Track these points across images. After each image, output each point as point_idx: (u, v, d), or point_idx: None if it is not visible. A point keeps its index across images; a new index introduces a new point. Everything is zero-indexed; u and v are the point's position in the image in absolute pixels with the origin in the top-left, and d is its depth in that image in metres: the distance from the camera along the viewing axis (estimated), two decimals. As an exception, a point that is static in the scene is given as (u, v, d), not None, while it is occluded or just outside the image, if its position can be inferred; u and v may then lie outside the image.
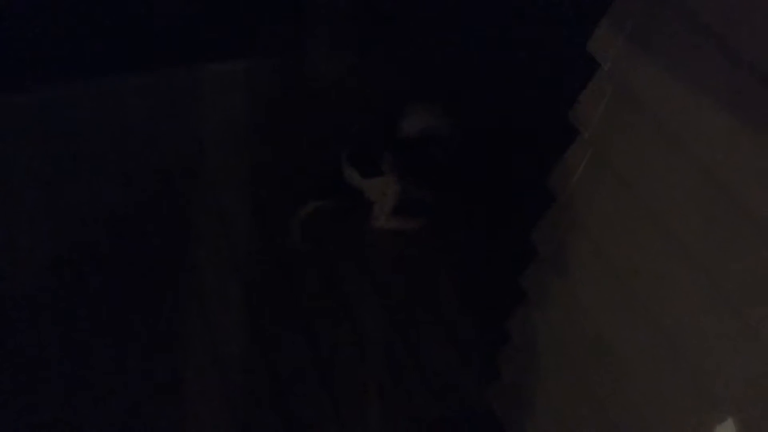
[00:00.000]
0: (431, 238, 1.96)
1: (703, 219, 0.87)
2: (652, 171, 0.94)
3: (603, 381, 1.12)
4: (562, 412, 1.27)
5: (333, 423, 1.57)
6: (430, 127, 1.89)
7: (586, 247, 1.09)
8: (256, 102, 2.22)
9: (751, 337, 0.82)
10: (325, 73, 2.23)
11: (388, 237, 1.95)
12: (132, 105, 2.09)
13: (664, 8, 0.88)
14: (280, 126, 2.17)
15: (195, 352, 1.64)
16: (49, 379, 1.56)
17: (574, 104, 1.03)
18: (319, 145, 2.09)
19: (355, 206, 1.94)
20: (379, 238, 1.94)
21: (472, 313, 1.79)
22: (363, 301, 1.80)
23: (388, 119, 1.93)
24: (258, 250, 1.87)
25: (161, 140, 2.06)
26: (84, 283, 1.73)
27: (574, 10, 1.38)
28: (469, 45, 2.14)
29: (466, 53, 2.13)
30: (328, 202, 1.95)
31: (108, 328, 1.66)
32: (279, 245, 1.89)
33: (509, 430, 1.45)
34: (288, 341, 1.69)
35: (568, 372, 1.22)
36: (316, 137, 2.11)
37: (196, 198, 1.96)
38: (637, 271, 0.99)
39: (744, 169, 0.80)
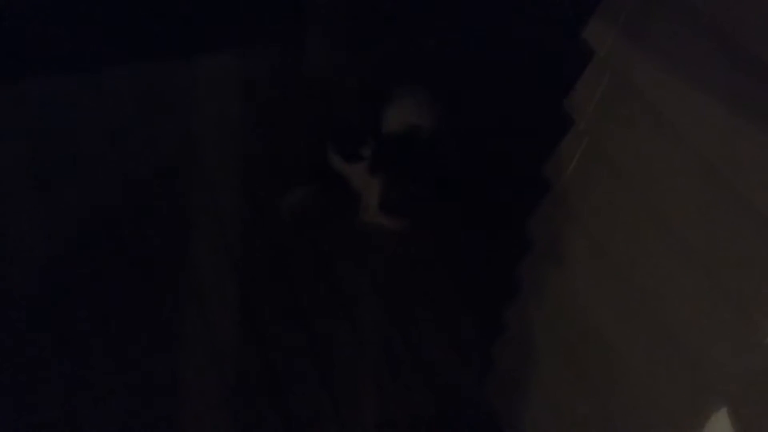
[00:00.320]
0: (427, 232, 1.95)
1: (699, 210, 0.86)
2: (648, 161, 0.94)
3: (600, 375, 1.12)
4: (560, 406, 1.26)
5: (332, 421, 1.56)
6: (416, 123, 1.86)
7: (582, 239, 1.09)
8: (253, 97, 2.21)
9: (750, 331, 0.81)
10: (322, 69, 2.22)
11: (384, 233, 1.94)
12: (127, 100, 2.08)
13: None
14: (277, 121, 2.16)
15: (194, 351, 1.63)
16: (48, 379, 1.55)
17: (569, 93, 1.02)
18: (315, 139, 2.07)
19: (341, 193, 1.92)
20: (376, 234, 1.94)
21: (468, 307, 1.78)
22: (361, 298, 1.79)
23: (374, 104, 1.90)
24: (256, 247, 1.87)
25: (157, 135, 2.05)
26: (81, 281, 1.73)
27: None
28: (462, 35, 2.13)
29: (459, 42, 2.12)
30: (313, 188, 1.94)
31: (106, 328, 1.65)
32: (277, 242, 1.88)
33: (507, 424, 1.45)
34: (286, 339, 1.69)
35: (566, 366, 1.22)
36: (313, 132, 2.10)
37: (193, 194, 1.95)
38: (634, 264, 0.99)
39: (741, 158, 0.79)
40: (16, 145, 1.94)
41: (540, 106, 1.35)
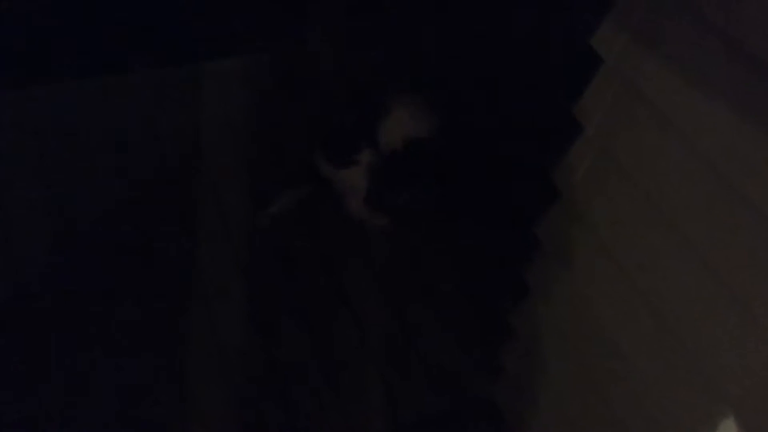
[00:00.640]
0: (434, 231, 1.96)
1: (708, 215, 0.87)
2: (657, 166, 0.94)
3: (607, 375, 1.13)
4: (566, 406, 1.27)
5: (338, 422, 1.57)
6: (414, 135, 1.85)
7: (591, 242, 1.09)
8: (255, 98, 2.22)
9: (758, 333, 0.82)
10: (323, 69, 2.23)
11: (389, 230, 1.95)
12: (132, 104, 2.09)
13: (669, 3, 0.88)
14: (279, 121, 2.17)
15: (199, 351, 1.65)
16: (49, 372, 1.56)
17: (578, 100, 1.03)
18: (306, 141, 2.08)
19: (325, 195, 1.92)
20: (383, 235, 1.94)
21: (476, 309, 1.79)
22: (365, 295, 1.80)
23: (368, 111, 1.89)
24: (259, 245, 1.88)
25: (162, 138, 2.06)
26: (88, 280, 1.74)
27: (578, 4, 1.37)
28: (469, 41, 2.13)
29: (466, 48, 2.12)
30: (299, 191, 1.94)
31: (108, 324, 1.66)
32: (280, 238, 1.89)
33: (513, 423, 1.46)
34: (292, 340, 1.69)
35: (573, 366, 1.23)
36: (312, 132, 2.10)
37: (196, 193, 1.96)
38: (642, 267, 1.00)
39: (751, 164, 0.79)
40: (24, 148, 1.95)
41: (549, 112, 1.36)
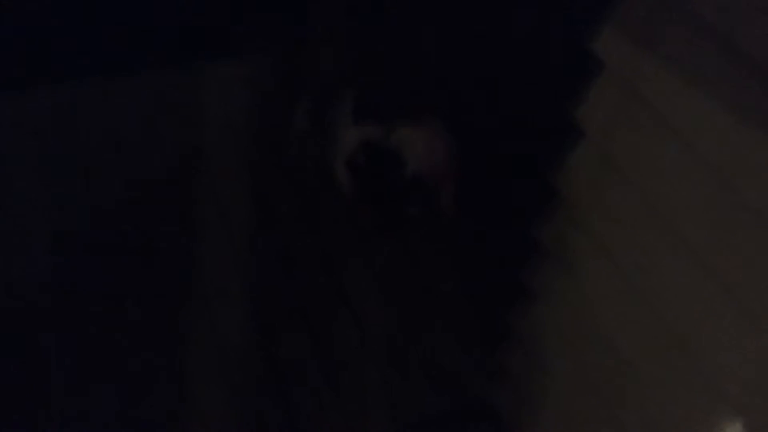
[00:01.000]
0: (434, 233, 1.96)
1: (709, 218, 0.88)
2: (657, 169, 0.95)
3: (608, 378, 1.13)
4: (566, 406, 1.28)
5: (336, 415, 1.58)
6: (418, 169, 1.85)
7: (591, 244, 1.10)
8: (256, 99, 2.22)
9: (757, 333, 0.83)
10: (324, 70, 2.23)
11: (391, 233, 1.96)
12: (133, 105, 2.09)
13: (669, 8, 0.88)
14: (279, 124, 2.17)
15: (197, 346, 1.65)
16: (49, 371, 1.57)
17: (579, 103, 1.04)
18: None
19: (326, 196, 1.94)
20: (382, 232, 1.95)
21: (476, 307, 1.79)
22: (365, 295, 1.81)
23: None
24: (260, 247, 1.88)
25: (164, 141, 2.06)
26: (88, 280, 1.74)
27: (579, 9, 1.38)
28: (470, 41, 2.14)
29: (466, 50, 2.13)
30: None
31: (110, 326, 1.67)
32: (280, 240, 1.89)
33: (513, 425, 1.46)
34: (293, 341, 1.70)
35: (573, 368, 1.23)
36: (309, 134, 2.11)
37: (197, 194, 1.96)
38: (642, 268, 1.01)
39: (750, 166, 0.81)
40: (25, 148, 1.95)
41: (550, 115, 1.37)
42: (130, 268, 1.77)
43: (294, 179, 2.02)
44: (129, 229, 1.85)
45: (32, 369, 1.57)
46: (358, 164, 1.79)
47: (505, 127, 1.99)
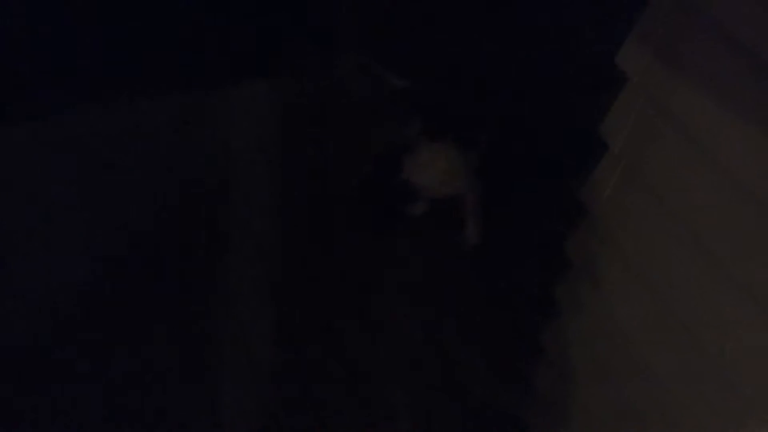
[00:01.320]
0: (463, 251, 1.96)
1: (736, 230, 0.86)
2: (684, 184, 0.94)
3: (640, 395, 1.11)
4: (596, 424, 1.26)
5: (360, 429, 1.58)
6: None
7: (619, 260, 1.09)
8: (283, 119, 2.25)
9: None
10: (352, 90, 2.25)
11: (418, 247, 1.96)
12: (162, 126, 2.13)
13: (693, 20, 0.88)
14: (307, 143, 2.19)
15: (226, 362, 1.67)
16: (76, 385, 1.60)
17: (603, 117, 1.03)
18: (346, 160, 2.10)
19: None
20: (413, 254, 1.95)
21: (506, 327, 1.78)
22: (397, 318, 1.81)
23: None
24: (287, 265, 1.89)
25: (191, 160, 2.10)
26: (118, 295, 1.77)
27: (602, 22, 1.37)
28: (496, 60, 2.14)
29: (492, 68, 2.13)
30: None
31: (137, 340, 1.69)
32: (306, 254, 1.91)
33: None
34: (321, 357, 1.70)
35: (604, 385, 1.21)
36: (343, 153, 2.13)
37: (226, 213, 1.99)
38: (671, 285, 0.99)
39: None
40: (61, 170, 2.00)
41: (575, 130, 1.36)
42: (160, 283, 1.80)
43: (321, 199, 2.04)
44: (159, 245, 1.88)
45: (64, 383, 1.60)
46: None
47: (530, 144, 1.99)
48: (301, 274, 1.89)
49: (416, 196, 1.89)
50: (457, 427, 1.60)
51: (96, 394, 1.59)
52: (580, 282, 1.19)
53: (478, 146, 1.87)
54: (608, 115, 1.02)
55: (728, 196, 0.87)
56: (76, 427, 1.54)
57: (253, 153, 2.16)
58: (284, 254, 1.92)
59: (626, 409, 1.16)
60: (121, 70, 2.10)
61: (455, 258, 1.94)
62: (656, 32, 0.93)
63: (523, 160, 2.01)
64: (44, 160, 1.99)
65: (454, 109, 1.89)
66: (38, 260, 1.82)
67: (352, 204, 2.00)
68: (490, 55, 2.15)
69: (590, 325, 1.20)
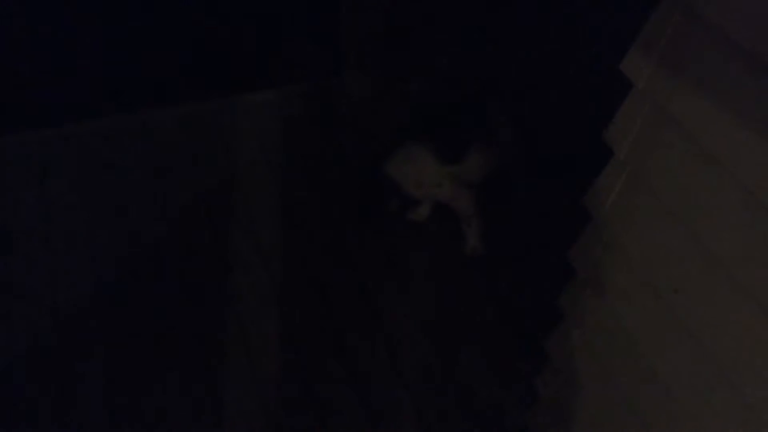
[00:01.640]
0: (468, 258, 1.96)
1: (742, 237, 0.86)
2: (688, 190, 0.94)
3: (646, 402, 1.11)
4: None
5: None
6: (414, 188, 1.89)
7: (625, 267, 1.08)
8: (290, 129, 2.25)
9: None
10: (357, 99, 2.26)
11: (424, 257, 1.96)
12: (169, 136, 2.14)
13: (697, 28, 0.87)
14: (313, 152, 2.20)
15: (233, 374, 1.67)
16: (82, 398, 1.60)
17: (607, 125, 1.03)
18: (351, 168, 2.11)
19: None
20: (419, 264, 1.95)
21: (511, 335, 1.78)
22: (400, 322, 1.81)
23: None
24: (293, 273, 1.90)
25: (201, 171, 2.11)
26: (122, 308, 1.77)
27: (606, 29, 1.37)
28: (500, 67, 2.15)
29: (496, 75, 2.14)
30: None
31: (147, 352, 1.69)
32: (313, 267, 1.91)
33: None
34: (328, 367, 1.70)
35: (609, 393, 1.21)
36: (348, 161, 2.13)
37: (233, 223, 1.99)
38: (678, 291, 0.98)
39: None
40: (69, 181, 2.01)
41: (579, 137, 1.36)
42: (170, 298, 1.81)
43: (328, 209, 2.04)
44: (165, 256, 1.89)
45: (74, 398, 1.60)
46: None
47: (534, 152, 1.99)
48: (302, 275, 1.89)
49: (394, 192, 1.89)
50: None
51: (96, 395, 1.59)
52: (584, 288, 1.19)
53: (461, 159, 1.88)
54: (613, 121, 1.02)
55: (733, 201, 0.87)
56: (76, 427, 1.55)
57: (255, 155, 2.17)
58: (286, 255, 1.93)
59: (631, 414, 1.15)
60: (127, 82, 2.11)
61: (459, 264, 1.95)
62: (661, 39, 0.93)
63: (527, 166, 2.01)
64: (46, 163, 2.00)
65: (448, 115, 1.90)
66: (39, 261, 1.83)
67: (354, 205, 2.01)
68: (494, 61, 2.15)
69: (595, 331, 1.20)
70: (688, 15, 0.87)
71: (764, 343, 0.86)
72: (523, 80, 2.08)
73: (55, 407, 1.58)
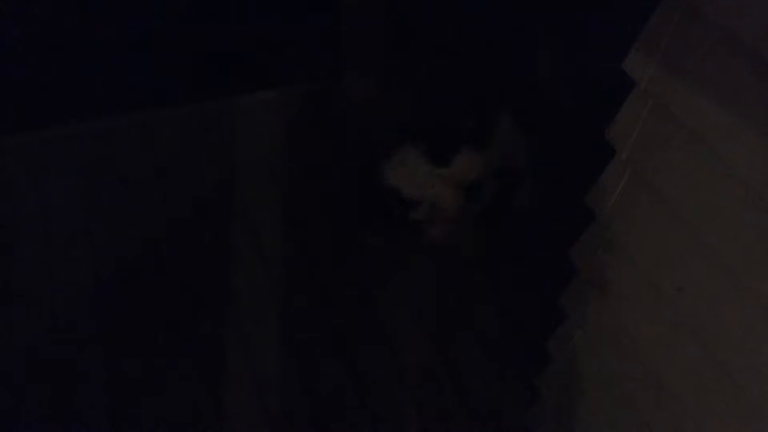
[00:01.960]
0: (469, 259, 1.96)
1: (745, 236, 0.86)
2: (691, 189, 0.93)
3: (648, 403, 1.10)
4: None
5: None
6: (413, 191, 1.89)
7: (627, 266, 1.08)
8: (289, 130, 2.25)
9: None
10: (357, 100, 2.25)
11: (425, 258, 1.96)
12: (169, 137, 2.14)
13: (699, 25, 0.87)
14: (312, 153, 2.20)
15: (234, 376, 1.66)
16: (83, 398, 1.60)
17: (610, 124, 1.03)
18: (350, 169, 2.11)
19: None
20: (417, 259, 1.95)
21: (513, 336, 1.77)
22: (401, 324, 1.80)
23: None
24: (294, 275, 1.89)
25: (201, 172, 2.10)
26: (123, 309, 1.77)
27: (608, 28, 1.37)
28: (498, 67, 2.14)
29: (496, 77, 2.14)
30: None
31: (147, 353, 1.69)
32: (314, 266, 1.90)
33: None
34: (329, 369, 1.70)
35: (611, 393, 1.21)
36: (348, 162, 2.13)
37: (234, 225, 1.99)
38: (680, 290, 0.98)
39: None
40: (69, 182, 2.01)
41: (581, 137, 1.36)
42: (168, 299, 1.81)
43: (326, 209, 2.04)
44: (165, 256, 1.89)
45: (75, 400, 1.60)
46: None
47: (537, 146, 1.99)
48: (302, 275, 1.89)
49: (393, 196, 1.90)
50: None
51: (96, 395, 1.59)
52: (586, 288, 1.19)
53: (451, 161, 1.88)
54: (615, 120, 1.02)
55: (736, 200, 0.87)
56: (76, 427, 1.54)
57: (255, 156, 2.16)
58: (286, 255, 1.93)
59: (636, 419, 1.15)
60: (126, 82, 2.11)
61: (461, 265, 1.94)
62: (662, 38, 0.92)
63: (528, 166, 2.01)
64: (46, 163, 2.00)
65: (444, 116, 1.91)
66: (39, 261, 1.83)
67: (357, 209, 2.00)
68: (494, 61, 2.15)
69: (596, 331, 1.19)
70: (690, 14, 0.87)
71: (766, 344, 0.86)
72: (524, 80, 2.08)
73: (55, 407, 1.57)
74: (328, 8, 2.19)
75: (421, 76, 2.17)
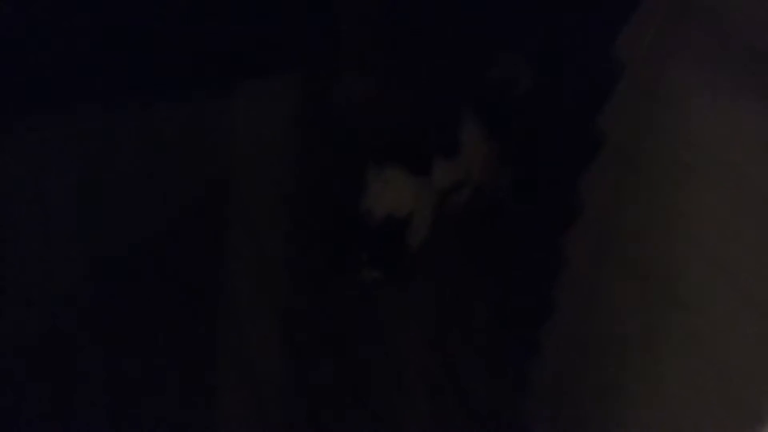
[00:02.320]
0: (461, 253, 1.94)
1: (736, 224, 0.86)
2: (684, 177, 0.93)
3: (640, 396, 1.09)
4: (596, 425, 1.23)
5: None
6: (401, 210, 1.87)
7: (619, 257, 1.07)
8: (289, 130, 2.25)
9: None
10: (356, 101, 2.25)
11: (418, 255, 1.94)
12: (165, 130, 2.14)
13: (692, 9, 0.87)
14: (312, 153, 2.19)
15: (229, 375, 1.66)
16: (81, 397, 1.58)
17: (602, 108, 1.02)
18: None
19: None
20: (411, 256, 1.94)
21: (503, 327, 1.75)
22: (401, 324, 1.79)
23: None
24: (292, 272, 1.89)
25: (194, 164, 2.10)
26: (123, 309, 1.77)
27: (600, 12, 1.37)
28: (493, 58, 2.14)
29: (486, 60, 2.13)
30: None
31: (147, 353, 1.69)
32: (312, 267, 1.90)
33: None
34: (323, 364, 1.69)
35: (603, 387, 1.19)
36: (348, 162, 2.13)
37: (231, 220, 1.99)
38: (672, 281, 0.97)
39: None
40: (64, 179, 2.02)
41: (572, 123, 1.35)
42: (163, 296, 1.80)
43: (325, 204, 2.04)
44: (162, 256, 1.89)
45: (67, 397, 1.60)
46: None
47: (526, 135, 1.98)
48: (302, 275, 1.88)
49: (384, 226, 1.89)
50: (456, 427, 1.58)
51: (96, 395, 1.59)
52: (577, 280, 1.18)
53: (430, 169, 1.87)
54: (606, 108, 1.01)
55: (730, 191, 0.86)
56: (76, 427, 1.54)
57: (256, 157, 2.17)
58: (286, 255, 1.92)
59: (633, 415, 1.13)
60: (121, 75, 2.12)
61: (458, 263, 1.93)
62: (654, 20, 0.92)
63: (518, 155, 2.00)
64: (45, 163, 2.02)
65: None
66: (38, 261, 1.84)
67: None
68: (484, 45, 2.14)
69: (588, 324, 1.18)
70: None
71: (759, 340, 0.85)
72: (513, 64, 2.08)
73: (55, 407, 1.58)
74: (327, 7, 2.19)
75: (420, 76, 2.18)
